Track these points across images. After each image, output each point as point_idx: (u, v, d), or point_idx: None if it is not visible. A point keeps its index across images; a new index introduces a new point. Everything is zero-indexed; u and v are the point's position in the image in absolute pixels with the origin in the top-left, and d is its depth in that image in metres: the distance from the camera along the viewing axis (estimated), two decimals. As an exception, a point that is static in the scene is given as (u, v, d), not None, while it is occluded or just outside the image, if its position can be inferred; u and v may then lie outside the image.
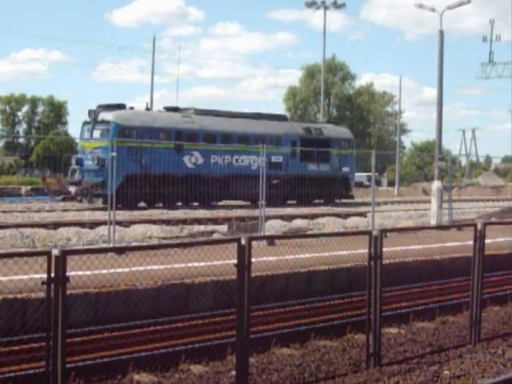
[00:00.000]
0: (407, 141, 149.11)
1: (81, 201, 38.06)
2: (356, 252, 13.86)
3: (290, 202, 42.90)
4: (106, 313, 11.46)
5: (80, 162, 38.62)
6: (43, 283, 6.97)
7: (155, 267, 12.99)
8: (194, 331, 11.15)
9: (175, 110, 43.49)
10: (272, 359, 10.44)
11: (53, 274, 6.93)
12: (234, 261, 8.41)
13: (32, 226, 23.51)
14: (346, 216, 32.21)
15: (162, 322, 11.31)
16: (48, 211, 32.28)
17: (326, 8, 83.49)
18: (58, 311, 7.02)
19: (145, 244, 18.54)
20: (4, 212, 30.48)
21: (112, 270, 12.10)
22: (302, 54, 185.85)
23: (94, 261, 8.84)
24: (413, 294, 14.82)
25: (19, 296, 10.77)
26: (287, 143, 45.66)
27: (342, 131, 51.94)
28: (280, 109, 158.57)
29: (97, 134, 39.10)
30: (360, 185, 67.27)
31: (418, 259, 16.94)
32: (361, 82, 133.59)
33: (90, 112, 39.24)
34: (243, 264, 8.26)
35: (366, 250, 10.03)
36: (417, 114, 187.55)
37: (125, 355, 10.01)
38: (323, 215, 32.17)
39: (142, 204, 37.82)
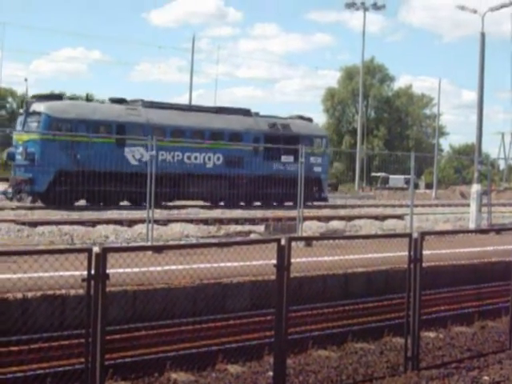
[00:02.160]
0: (445, 143, 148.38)
1: (11, 199, 34.83)
2: (394, 254, 13.77)
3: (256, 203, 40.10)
4: (144, 311, 11.50)
5: (12, 157, 36.01)
6: (83, 280, 7.00)
7: (194, 266, 13.00)
8: (231, 331, 11.16)
9: (121, 101, 39.79)
10: (309, 361, 10.42)
11: (93, 271, 6.97)
12: (271, 261, 8.39)
13: (71, 223, 23.69)
14: (384, 218, 32.03)
15: (199, 321, 11.32)
16: (86, 209, 32.42)
17: (365, 9, 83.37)
18: (98, 308, 7.04)
19: (183, 243, 18.58)
20: (43, 209, 30.72)
21: (151, 269, 12.15)
22: (340, 55, 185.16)
23: (134, 258, 8.86)
24: (451, 298, 14.69)
25: (58, 292, 10.84)
26: (249, 140, 41.41)
27: (314, 128, 48.00)
28: (318, 110, 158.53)
29: (30, 126, 35.88)
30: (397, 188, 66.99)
31: (457, 263, 16.79)
32: (399, 84, 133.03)
33: (22, 103, 37.21)
34: (283, 264, 8.24)
35: (404, 253, 9.96)
36: (455, 117, 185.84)
37: (162, 353, 10.05)
38: (360, 217, 32.03)
39: (81, 202, 35.12)
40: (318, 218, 29.57)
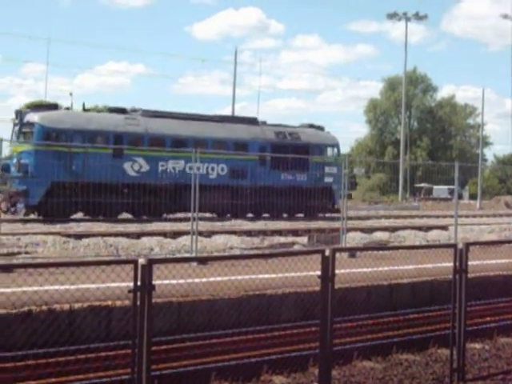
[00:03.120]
0: (489, 153, 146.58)
1: (6, 211, 32.77)
2: (439, 265, 13.69)
3: (264, 215, 38.97)
4: (189, 322, 11.56)
5: (6, 168, 33.43)
6: (130, 291, 7.06)
7: (239, 277, 13.05)
8: (275, 342, 11.17)
9: (121, 111, 38.15)
10: (354, 372, 10.39)
11: (139, 283, 7.03)
12: (315, 272, 8.40)
13: (115, 235, 23.90)
14: (428, 229, 31.81)
15: (244, 332, 11.35)
16: (131, 221, 32.64)
17: (407, 19, 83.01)
18: (144, 319, 7.10)
19: (228, 254, 18.64)
20: (87, 221, 30.99)
21: (196, 280, 12.22)
22: (382, 65, 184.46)
23: (180, 270, 8.94)
24: (497, 309, 14.55)
25: (104, 304, 10.96)
26: (254, 149, 39.76)
27: (325, 136, 44.91)
28: (361, 121, 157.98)
29: (25, 137, 35.07)
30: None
31: (503, 273, 16.63)
32: (442, 94, 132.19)
33: (16, 113, 35.54)
34: (327, 275, 8.24)
35: (449, 264, 9.90)
36: (499, 127, 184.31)
37: (207, 364, 10.10)
38: (404, 228, 31.84)
39: (78, 215, 33.82)
40: (362, 229, 29.47)
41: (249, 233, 26.77)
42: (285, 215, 39.26)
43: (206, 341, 10.92)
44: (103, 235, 23.49)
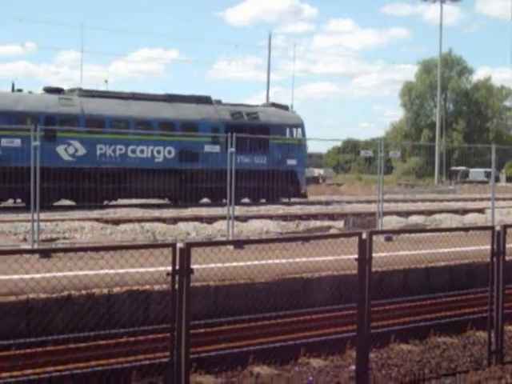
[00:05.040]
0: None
1: None
2: (476, 248, 13.63)
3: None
4: (226, 305, 11.63)
5: None
6: (168, 274, 7.12)
7: (276, 261, 13.10)
8: (313, 325, 11.22)
9: (58, 91, 35.25)
10: (391, 355, 10.41)
11: (177, 266, 7.10)
12: (352, 256, 8.42)
13: (152, 220, 24.07)
14: (464, 212, 31.62)
15: (281, 315, 11.41)
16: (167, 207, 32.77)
17: (442, 1, 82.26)
18: (182, 302, 7.16)
19: (264, 238, 18.69)
20: (125, 207, 31.14)
21: (233, 264, 12.29)
22: (417, 48, 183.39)
23: (217, 253, 9.00)
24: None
25: (142, 288, 11.07)
26: (206, 130, 36.49)
27: (287, 116, 41.12)
28: (395, 104, 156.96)
29: None
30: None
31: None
32: (478, 76, 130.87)
33: None
34: (364, 258, 8.25)
35: (486, 246, 9.87)
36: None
37: (245, 347, 10.17)
38: (440, 211, 31.68)
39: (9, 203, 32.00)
40: (398, 213, 29.38)
41: (285, 217, 26.79)
42: (245, 200, 35.96)
43: (243, 324, 10.99)
44: (140, 221, 23.67)
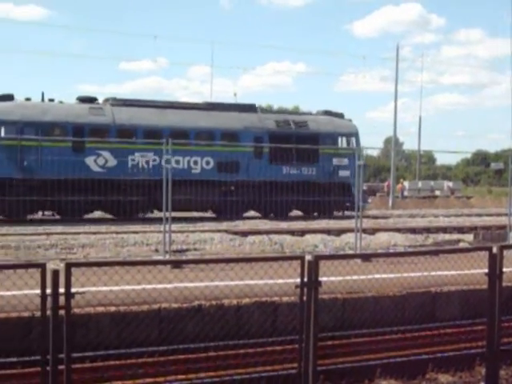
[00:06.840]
0: None
1: None
2: None
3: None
4: (353, 318, 11.64)
5: None
6: (296, 287, 7.23)
7: (405, 274, 13.03)
8: (441, 340, 11.08)
9: (90, 100, 34.28)
10: (523, 372, 10.18)
11: (306, 279, 7.19)
12: (482, 270, 8.30)
13: (281, 232, 24.30)
14: None
15: (409, 329, 11.33)
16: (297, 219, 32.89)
17: None
18: (311, 314, 7.25)
19: (391, 251, 18.58)
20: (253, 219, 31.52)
21: (361, 277, 12.29)
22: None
23: (345, 266, 9.06)
24: None
25: (270, 300, 11.21)
26: (247, 140, 34.16)
27: (340, 124, 37.93)
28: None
29: None
30: None
31: None
32: None
33: None
34: (494, 273, 8.14)
35: None
36: None
37: (372, 361, 10.15)
38: None
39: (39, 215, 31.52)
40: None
41: (413, 230, 26.52)
42: (293, 214, 34.97)
43: (370, 337, 10.97)
44: (268, 232, 23.91)
